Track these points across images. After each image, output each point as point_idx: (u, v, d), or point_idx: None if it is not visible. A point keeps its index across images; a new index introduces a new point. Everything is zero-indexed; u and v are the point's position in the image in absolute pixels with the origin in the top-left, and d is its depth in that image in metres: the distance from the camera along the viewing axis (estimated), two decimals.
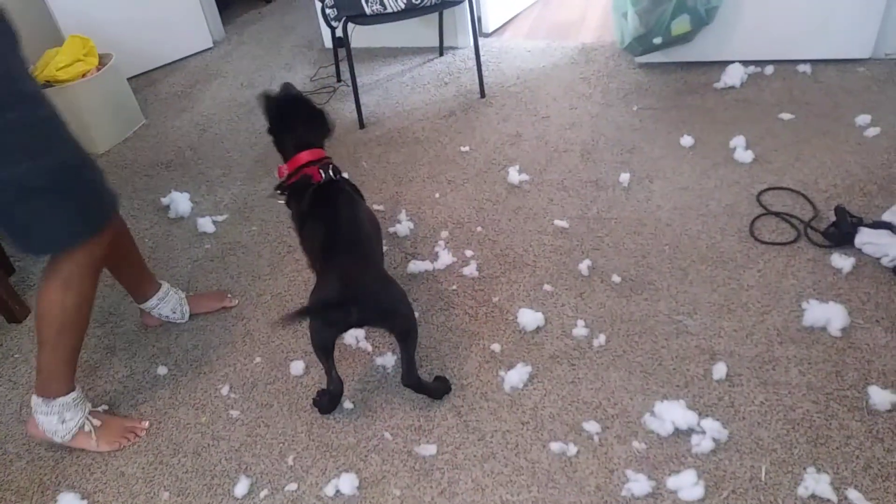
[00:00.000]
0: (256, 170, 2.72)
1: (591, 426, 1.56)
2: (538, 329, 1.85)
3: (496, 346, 1.81)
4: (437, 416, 1.64)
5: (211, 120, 3.17)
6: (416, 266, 2.10)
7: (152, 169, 2.85)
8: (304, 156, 1.79)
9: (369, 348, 1.85)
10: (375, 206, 2.38)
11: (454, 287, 2.03)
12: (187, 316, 2.01)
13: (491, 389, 1.70)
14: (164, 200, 2.57)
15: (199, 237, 2.39)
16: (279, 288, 2.10)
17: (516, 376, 1.70)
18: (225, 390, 1.78)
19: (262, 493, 1.52)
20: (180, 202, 2.52)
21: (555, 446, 1.53)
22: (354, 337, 1.87)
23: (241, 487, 1.52)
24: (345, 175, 1.89)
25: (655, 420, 1.53)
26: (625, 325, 1.82)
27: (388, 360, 1.80)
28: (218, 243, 2.35)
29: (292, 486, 1.52)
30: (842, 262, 1.88)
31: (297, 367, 1.81)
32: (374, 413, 1.67)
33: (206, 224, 2.41)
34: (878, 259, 1.89)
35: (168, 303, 1.96)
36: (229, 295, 2.08)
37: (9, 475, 1.65)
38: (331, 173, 1.77)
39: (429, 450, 1.56)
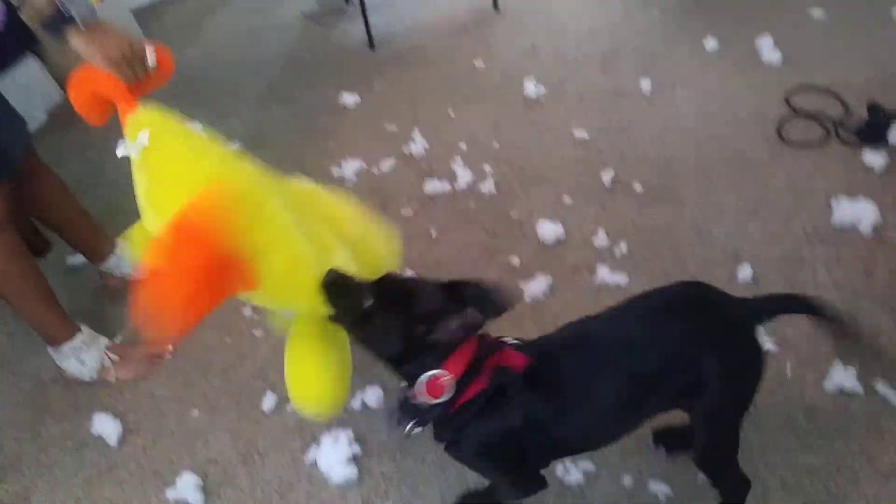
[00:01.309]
0: (267, 97, 2.67)
1: None
2: (558, 241, 1.82)
3: (515, 260, 1.79)
4: None
5: (218, 49, 3.10)
6: (432, 186, 2.06)
7: (160, 100, 2.79)
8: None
9: None
10: (388, 127, 2.33)
11: (472, 205, 2.00)
12: None
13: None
14: None
15: None
16: None
17: (537, 287, 1.68)
18: (248, 311, 1.79)
19: (289, 408, 1.55)
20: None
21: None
22: None
23: (269, 402, 1.55)
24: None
25: None
26: (647, 233, 1.79)
27: None
28: None
29: None
30: (874, 159, 1.80)
31: None
32: None
33: None
34: None
35: (128, 259, 1.86)
36: None
37: (46, 400, 1.70)
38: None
39: None
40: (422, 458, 1.40)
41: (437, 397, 0.98)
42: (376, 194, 2.07)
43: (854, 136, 1.91)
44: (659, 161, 2.00)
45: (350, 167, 2.17)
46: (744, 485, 1.17)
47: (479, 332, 1.02)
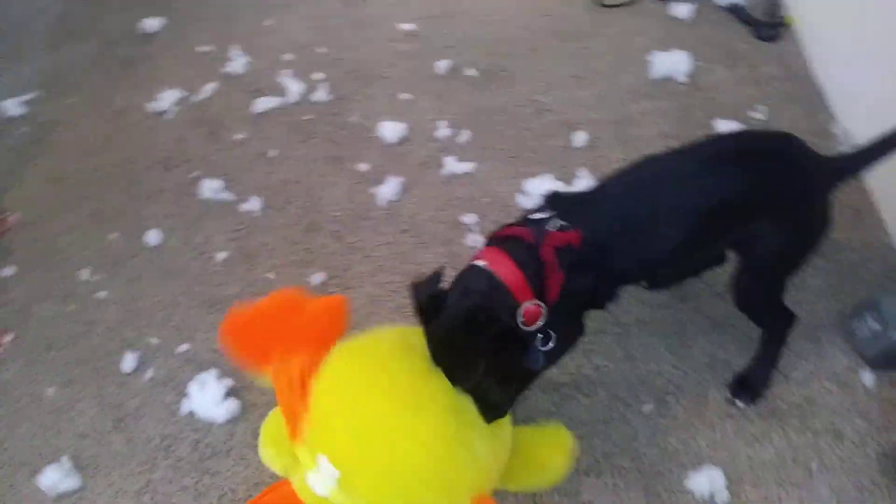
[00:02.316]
0: (58, 33, 2.34)
1: (469, 218, 1.58)
2: (402, 140, 1.79)
3: (363, 166, 1.75)
4: (317, 246, 1.60)
5: None
6: (263, 104, 1.94)
7: None
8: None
9: (232, 197, 1.74)
10: (202, 48, 2.13)
11: (308, 116, 1.91)
12: None
13: (366, 209, 1.67)
14: None
15: (9, 123, 2.07)
16: (115, 158, 1.90)
17: (388, 190, 1.67)
18: (85, 275, 1.64)
19: (156, 362, 1.47)
20: None
21: (436, 250, 1.54)
22: (210, 189, 1.74)
23: (129, 362, 1.46)
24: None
25: (526, 197, 1.57)
26: (487, 116, 1.80)
27: (254, 204, 1.71)
28: (34, 125, 2.05)
29: (184, 347, 1.48)
30: (681, 10, 1.90)
31: (154, 235, 1.68)
32: (252, 259, 1.61)
33: (13, 107, 2.09)
34: (714, 1, 1.92)
35: None
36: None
37: None
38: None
39: (318, 277, 1.54)
40: None
41: (539, 319, 0.97)
42: (202, 123, 1.92)
43: None
44: (488, 42, 1.99)
45: (167, 99, 1.98)
46: (786, 321, 1.18)
47: (501, 241, 1.02)
